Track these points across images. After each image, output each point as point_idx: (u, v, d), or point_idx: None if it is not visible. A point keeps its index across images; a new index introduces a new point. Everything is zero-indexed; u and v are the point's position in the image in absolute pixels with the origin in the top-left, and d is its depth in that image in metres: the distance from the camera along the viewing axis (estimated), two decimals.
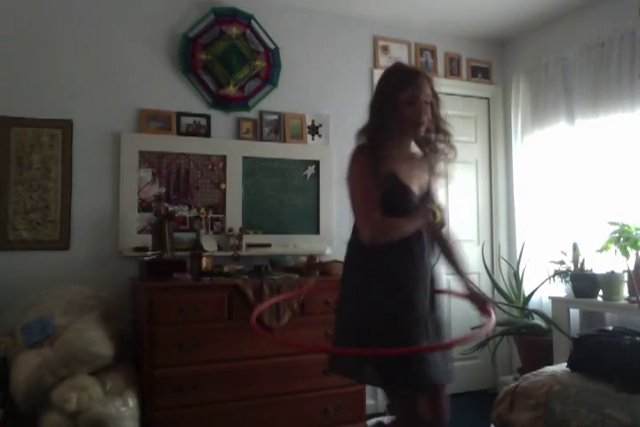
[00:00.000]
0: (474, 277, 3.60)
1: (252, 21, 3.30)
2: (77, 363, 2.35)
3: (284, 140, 3.40)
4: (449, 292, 2.06)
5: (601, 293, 2.90)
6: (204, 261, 2.83)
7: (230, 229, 3.16)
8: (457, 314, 3.45)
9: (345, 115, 3.48)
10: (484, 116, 4.12)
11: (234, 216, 3.22)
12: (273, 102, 3.39)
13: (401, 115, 1.79)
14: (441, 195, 2.22)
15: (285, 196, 3.38)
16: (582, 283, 2.97)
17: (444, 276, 2.04)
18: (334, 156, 3.44)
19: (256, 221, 3.28)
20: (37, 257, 2.82)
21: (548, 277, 3.27)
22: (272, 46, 3.36)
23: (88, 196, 2.95)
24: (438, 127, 1.88)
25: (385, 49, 3.74)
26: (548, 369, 2.47)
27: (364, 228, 1.77)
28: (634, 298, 2.65)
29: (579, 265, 3.07)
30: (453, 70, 3.96)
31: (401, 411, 1.84)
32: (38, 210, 2.85)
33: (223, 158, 3.23)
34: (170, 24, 3.18)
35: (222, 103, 3.25)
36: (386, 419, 2.30)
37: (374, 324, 1.73)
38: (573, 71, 3.47)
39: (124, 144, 3.02)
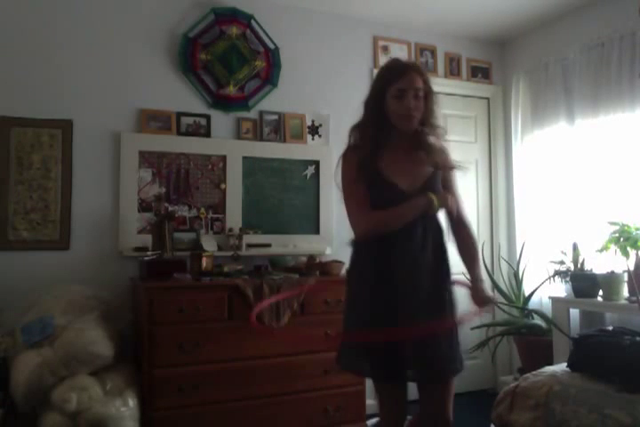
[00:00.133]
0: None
1: (252, 21, 3.30)
2: (77, 363, 2.34)
3: (284, 140, 3.40)
4: (456, 282, 2.03)
5: (601, 293, 2.90)
6: (204, 261, 2.83)
7: (230, 229, 3.16)
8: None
9: (345, 115, 3.45)
10: (483, 116, 4.12)
11: (234, 216, 3.22)
12: (273, 102, 3.39)
13: (390, 109, 1.81)
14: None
15: (285, 196, 3.38)
16: (582, 283, 2.97)
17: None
18: (334, 156, 3.42)
19: (256, 221, 3.28)
20: (37, 257, 2.82)
21: (548, 277, 3.26)
22: (272, 46, 3.36)
23: (88, 196, 2.95)
24: (428, 121, 1.86)
25: (385, 49, 3.74)
26: (548, 369, 2.47)
27: (358, 223, 1.82)
28: (634, 298, 2.65)
29: (579, 265, 3.07)
30: (453, 70, 3.96)
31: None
32: (38, 210, 2.85)
33: (223, 158, 3.23)
34: (170, 24, 3.18)
35: (222, 103, 3.25)
36: None
37: (345, 317, 1.94)
38: (573, 71, 3.47)
39: (124, 144, 3.02)
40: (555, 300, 3.17)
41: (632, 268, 2.74)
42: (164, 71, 3.16)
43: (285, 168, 3.39)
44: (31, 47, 2.89)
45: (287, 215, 3.37)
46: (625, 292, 2.82)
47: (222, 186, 3.22)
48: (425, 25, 3.78)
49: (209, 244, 3.03)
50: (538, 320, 3.44)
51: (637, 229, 2.76)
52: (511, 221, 3.99)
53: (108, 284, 2.86)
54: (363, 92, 1.93)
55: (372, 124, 1.86)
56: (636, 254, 2.77)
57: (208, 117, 3.23)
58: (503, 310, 3.67)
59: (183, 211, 3.13)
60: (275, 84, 3.38)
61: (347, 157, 1.88)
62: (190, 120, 3.19)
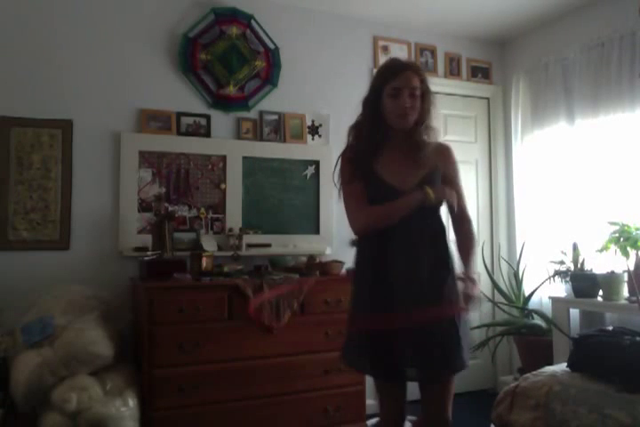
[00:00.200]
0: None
1: (252, 21, 3.30)
2: (77, 363, 2.34)
3: (284, 141, 3.40)
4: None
5: (601, 293, 2.90)
6: (204, 261, 2.83)
7: (230, 229, 3.16)
8: None
9: (345, 115, 3.42)
10: (484, 116, 4.12)
11: (234, 216, 3.22)
12: (273, 102, 3.39)
13: (386, 108, 1.82)
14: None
15: (285, 196, 3.38)
16: (582, 283, 2.97)
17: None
18: (334, 156, 3.39)
19: (256, 221, 3.28)
20: (37, 257, 2.82)
21: (548, 277, 3.26)
22: (272, 46, 3.36)
23: (88, 196, 2.95)
24: (424, 121, 1.85)
25: (385, 49, 3.74)
26: (548, 369, 2.47)
27: (358, 219, 1.84)
28: (634, 298, 2.66)
29: (579, 265, 3.07)
30: (453, 70, 3.96)
31: None
32: (38, 210, 2.85)
33: (223, 158, 3.23)
34: (170, 24, 3.18)
35: (222, 103, 3.25)
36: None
37: (349, 315, 1.95)
38: (573, 71, 3.47)
39: (124, 144, 3.02)
40: (555, 300, 3.17)
41: (632, 268, 2.74)
42: (164, 71, 3.16)
43: (285, 168, 3.39)
44: (31, 47, 2.89)
45: (287, 215, 3.37)
46: (625, 292, 2.82)
47: (222, 186, 3.22)
48: (425, 25, 3.78)
49: (209, 244, 3.03)
50: (538, 320, 3.44)
51: (637, 229, 2.76)
52: (511, 221, 3.99)
53: (107, 284, 2.86)
54: (363, 92, 1.93)
55: (368, 123, 1.87)
56: (636, 254, 2.77)
57: (208, 117, 3.23)
58: (503, 310, 3.67)
59: (183, 211, 3.13)
60: (275, 84, 3.38)
61: (344, 156, 1.91)
62: (190, 120, 3.19)
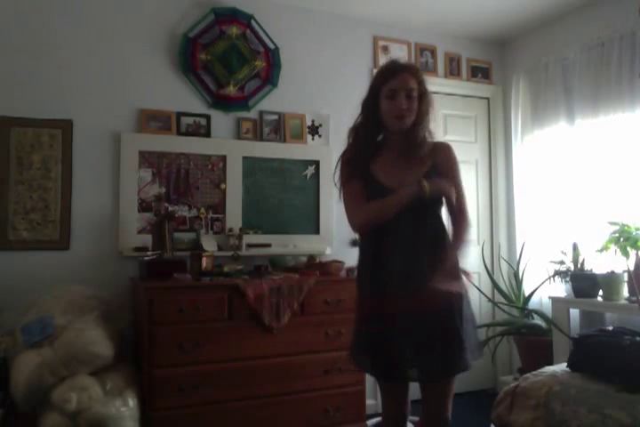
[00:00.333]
0: (473, 277, 3.64)
1: (252, 21, 3.30)
2: (77, 363, 2.34)
3: (284, 140, 3.40)
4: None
5: (601, 293, 2.90)
6: (204, 261, 2.83)
7: (230, 229, 3.16)
8: None
9: (345, 115, 3.42)
10: (484, 116, 4.12)
11: (234, 216, 3.22)
12: (273, 102, 3.39)
13: (383, 110, 1.83)
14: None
15: (285, 196, 3.38)
16: (582, 283, 2.97)
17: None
18: (334, 156, 3.41)
19: (256, 221, 3.28)
20: (37, 257, 2.82)
21: (548, 277, 3.26)
22: (272, 46, 3.36)
23: (88, 196, 2.95)
24: (420, 122, 1.85)
25: (385, 49, 3.74)
26: (548, 369, 2.47)
27: (358, 215, 1.84)
28: (634, 298, 2.65)
29: (579, 265, 3.07)
30: (453, 70, 3.96)
31: None
32: (38, 210, 2.85)
33: (223, 158, 3.23)
34: (170, 24, 3.18)
35: (222, 103, 3.25)
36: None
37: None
38: (573, 71, 3.47)
39: (124, 144, 3.02)
40: (555, 300, 3.17)
41: (632, 268, 2.74)
42: (164, 71, 3.16)
43: (285, 168, 3.39)
44: (31, 47, 2.89)
45: (287, 215, 3.37)
46: (625, 292, 2.82)
47: (222, 186, 3.22)
48: (425, 25, 3.78)
49: (209, 244, 3.03)
50: (538, 320, 3.44)
51: (637, 229, 2.76)
52: (511, 221, 3.99)
53: (107, 284, 2.86)
54: (363, 92, 1.93)
55: (366, 124, 1.89)
56: (636, 254, 2.77)
57: (208, 117, 3.23)
58: (503, 310, 3.67)
59: (183, 211, 3.13)
60: (275, 84, 3.38)
61: (343, 157, 1.92)
62: (190, 120, 3.19)
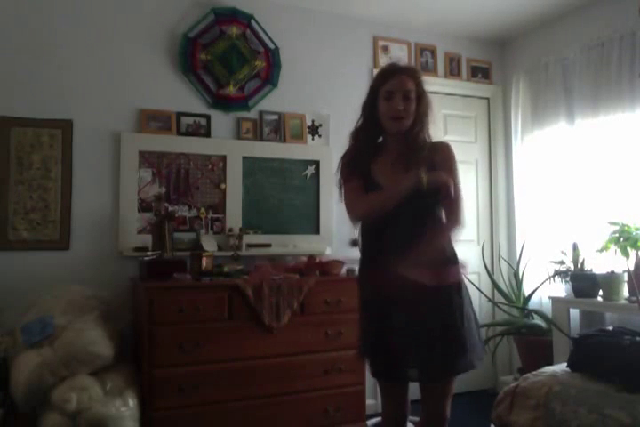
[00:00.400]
0: (472, 277, 3.64)
1: (252, 21, 3.30)
2: (77, 363, 2.34)
3: (284, 140, 3.40)
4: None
5: (601, 293, 2.90)
6: (204, 261, 2.83)
7: (230, 229, 3.16)
8: None
9: (345, 115, 3.46)
10: (484, 116, 4.12)
11: (234, 216, 3.22)
12: (273, 102, 3.39)
13: (381, 111, 1.85)
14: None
15: (285, 196, 3.38)
16: (582, 283, 2.97)
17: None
18: (334, 156, 3.42)
19: (256, 221, 3.27)
20: (37, 257, 2.82)
21: (548, 277, 3.26)
22: (272, 46, 3.36)
23: (88, 196, 2.95)
24: (419, 124, 1.86)
25: (385, 49, 3.74)
26: (548, 369, 2.47)
27: (359, 206, 1.85)
28: (634, 298, 2.65)
29: (579, 265, 3.07)
30: (453, 70, 3.96)
31: None
32: (38, 210, 2.85)
33: (223, 158, 3.23)
34: (170, 24, 3.18)
35: (222, 103, 3.25)
36: None
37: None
38: (573, 71, 3.47)
39: (124, 144, 3.02)
40: (555, 300, 3.17)
41: (632, 268, 2.74)
42: (164, 71, 3.16)
43: (285, 168, 3.39)
44: (31, 47, 2.89)
45: (287, 215, 3.37)
46: (625, 292, 2.82)
47: (222, 186, 3.22)
48: (425, 25, 3.78)
49: (209, 244, 3.03)
50: (538, 320, 3.44)
51: (637, 229, 2.76)
52: (511, 221, 3.99)
53: (107, 284, 2.86)
54: (363, 93, 1.94)
55: (366, 126, 1.91)
56: (636, 254, 2.77)
57: (208, 117, 3.23)
58: (503, 310, 3.67)
59: (183, 211, 3.13)
60: (275, 84, 3.38)
61: (343, 159, 1.94)
62: (190, 120, 3.19)
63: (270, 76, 3.36)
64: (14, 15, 2.87)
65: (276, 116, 3.39)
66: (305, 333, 2.81)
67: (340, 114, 3.47)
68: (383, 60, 3.67)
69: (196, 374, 2.58)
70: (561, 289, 3.18)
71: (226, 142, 3.25)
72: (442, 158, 1.89)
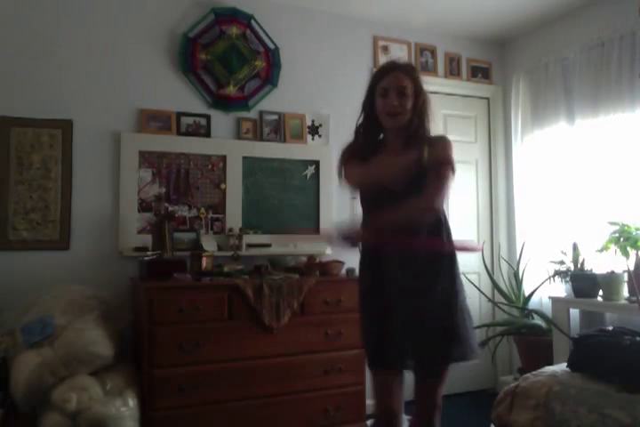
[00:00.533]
0: (472, 277, 3.64)
1: (252, 21, 3.30)
2: (77, 363, 2.34)
3: (284, 141, 3.40)
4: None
5: (601, 293, 2.90)
6: (204, 261, 2.83)
7: (230, 229, 3.16)
8: None
9: (345, 115, 3.46)
10: (484, 116, 4.12)
11: (234, 216, 3.22)
12: (273, 102, 3.39)
13: (377, 108, 1.87)
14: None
15: (285, 196, 3.38)
16: (582, 283, 2.97)
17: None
18: (334, 156, 3.41)
19: (256, 221, 3.27)
20: (37, 257, 2.82)
21: (548, 277, 3.26)
22: (272, 46, 3.36)
23: (88, 196, 2.95)
24: (416, 120, 1.86)
25: (385, 49, 3.74)
26: (548, 369, 2.47)
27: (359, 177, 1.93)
28: (634, 298, 2.65)
29: (579, 265, 3.07)
30: (453, 70, 3.96)
31: None
32: (38, 210, 2.85)
33: (223, 158, 3.23)
34: (170, 24, 3.18)
35: (222, 103, 3.25)
36: None
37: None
38: (573, 71, 3.47)
39: (124, 144, 3.02)
40: (555, 300, 3.17)
41: (632, 268, 2.74)
42: (164, 71, 3.16)
43: (285, 168, 3.39)
44: (32, 47, 2.89)
45: (287, 215, 3.37)
46: (625, 292, 2.82)
47: (222, 186, 3.22)
48: (425, 25, 3.78)
49: (209, 244, 3.03)
50: (538, 320, 3.44)
51: (637, 229, 2.76)
52: (511, 221, 3.99)
53: (107, 284, 2.85)
54: (363, 92, 1.95)
55: (365, 123, 1.94)
56: (636, 254, 2.77)
57: (208, 117, 3.22)
58: (503, 310, 3.67)
59: (183, 211, 3.13)
60: (275, 84, 3.38)
61: (343, 156, 1.97)
62: (190, 120, 3.19)
63: (270, 76, 3.36)
64: (14, 15, 2.87)
65: (275, 116, 3.39)
66: (305, 333, 2.81)
67: (340, 114, 3.46)
68: (383, 60, 3.66)
69: (196, 374, 2.59)
70: (561, 289, 3.18)
71: (226, 142, 3.25)
72: (439, 149, 1.85)
